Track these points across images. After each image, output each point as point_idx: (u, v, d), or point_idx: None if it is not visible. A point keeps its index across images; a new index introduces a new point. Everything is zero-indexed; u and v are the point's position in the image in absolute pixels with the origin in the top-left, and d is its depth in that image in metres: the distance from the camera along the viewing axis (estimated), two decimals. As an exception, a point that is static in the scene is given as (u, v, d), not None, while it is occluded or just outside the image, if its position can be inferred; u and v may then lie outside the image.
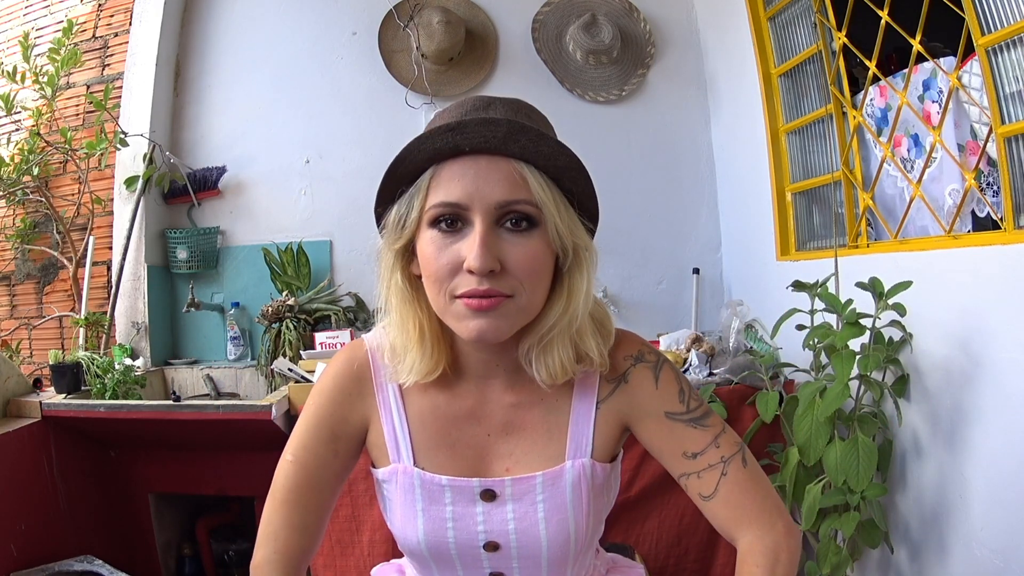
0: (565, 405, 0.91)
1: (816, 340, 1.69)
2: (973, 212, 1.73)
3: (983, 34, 1.51)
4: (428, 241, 0.80)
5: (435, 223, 0.80)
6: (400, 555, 1.09)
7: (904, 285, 1.56)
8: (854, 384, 1.65)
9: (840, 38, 2.04)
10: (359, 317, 2.66)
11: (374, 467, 0.95)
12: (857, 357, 1.59)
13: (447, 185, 0.78)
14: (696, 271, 2.77)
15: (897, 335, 1.67)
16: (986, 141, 1.60)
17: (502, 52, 2.84)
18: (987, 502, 1.47)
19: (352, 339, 2.45)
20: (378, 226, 0.87)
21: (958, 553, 1.54)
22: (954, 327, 1.56)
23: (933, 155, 1.79)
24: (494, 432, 0.91)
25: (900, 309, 1.56)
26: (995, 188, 1.65)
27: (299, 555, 0.88)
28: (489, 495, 0.89)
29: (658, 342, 2.38)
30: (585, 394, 0.90)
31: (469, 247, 0.77)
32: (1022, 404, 1.38)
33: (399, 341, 0.88)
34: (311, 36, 2.81)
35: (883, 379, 1.70)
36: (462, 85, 2.79)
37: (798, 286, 1.76)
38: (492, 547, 0.90)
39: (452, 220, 0.79)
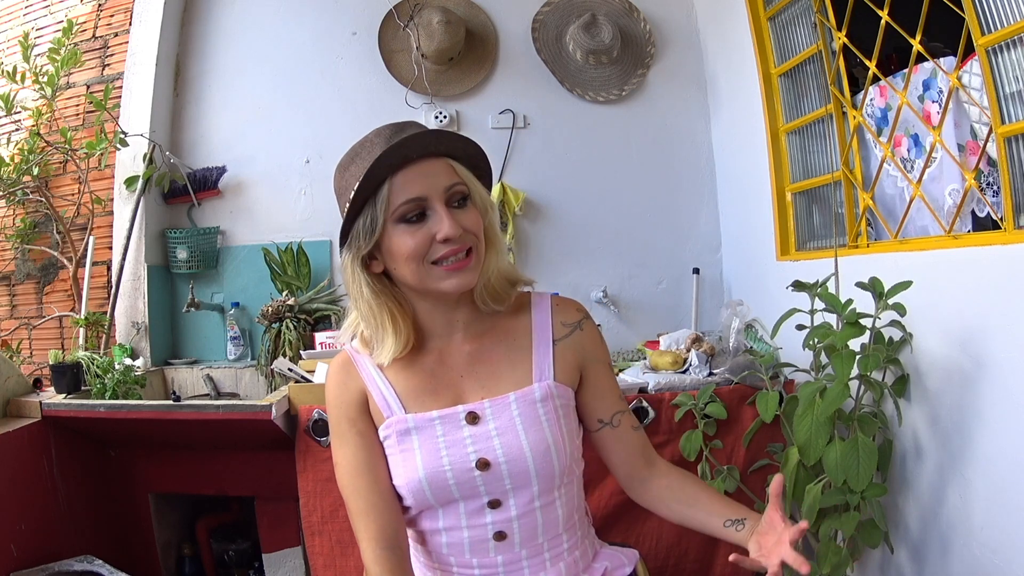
0: (525, 341, 1.12)
1: (816, 340, 1.69)
2: (973, 212, 1.73)
3: (983, 34, 1.51)
4: (401, 233, 1.01)
5: (403, 219, 1.01)
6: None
7: (904, 285, 1.56)
8: (854, 384, 1.65)
9: (840, 38, 2.04)
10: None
11: (377, 429, 1.11)
12: (857, 357, 1.59)
13: (405, 187, 1.00)
14: (696, 271, 2.77)
15: (897, 335, 1.67)
16: (986, 141, 1.60)
17: (502, 52, 2.84)
18: (987, 502, 1.47)
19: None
20: (342, 246, 1.06)
21: (958, 553, 1.54)
22: (954, 327, 1.56)
23: (933, 155, 1.79)
24: (465, 372, 1.10)
25: (900, 309, 1.56)
26: (995, 188, 1.65)
27: (388, 530, 1.03)
28: (472, 417, 1.06)
29: (658, 342, 2.38)
30: (542, 331, 1.12)
31: (438, 224, 1.00)
32: (1022, 404, 1.38)
33: (372, 330, 1.09)
34: (311, 36, 2.81)
35: (883, 379, 1.70)
36: (462, 85, 2.79)
37: (798, 286, 1.76)
38: (483, 464, 1.04)
39: (417, 213, 1.01)
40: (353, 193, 1.00)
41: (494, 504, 1.05)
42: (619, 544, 1.27)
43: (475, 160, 1.08)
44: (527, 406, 1.06)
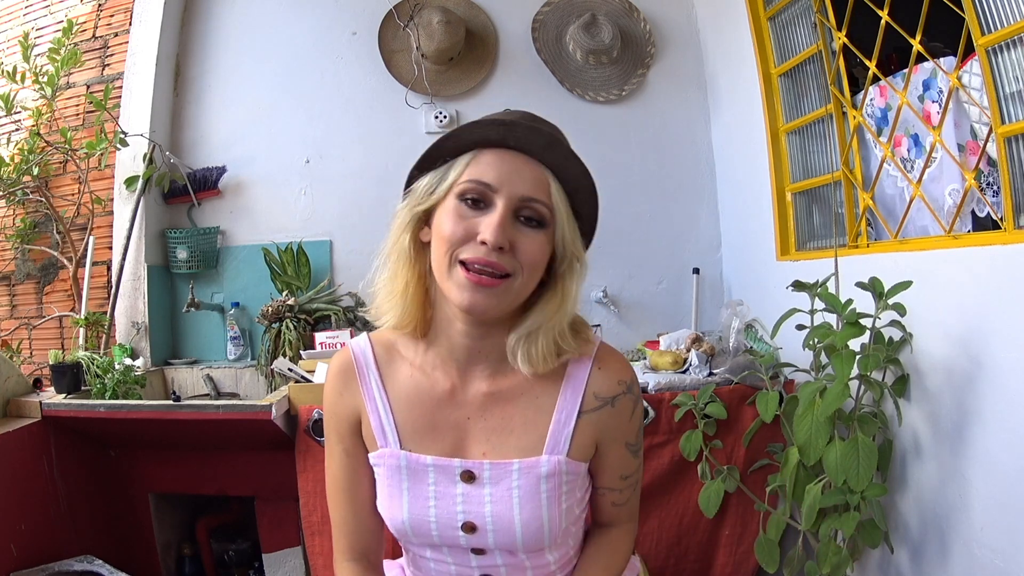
0: (549, 404, 0.98)
1: (816, 340, 1.69)
2: (973, 212, 1.73)
3: (983, 34, 1.51)
4: (451, 209, 0.90)
5: (463, 196, 0.90)
6: (400, 555, 1.12)
7: (904, 285, 1.56)
8: (854, 384, 1.65)
9: (840, 38, 2.04)
10: (359, 317, 2.66)
11: (368, 453, 1.04)
12: (857, 357, 1.59)
13: (484, 167, 0.90)
14: (696, 271, 2.77)
15: (897, 335, 1.67)
16: (986, 141, 1.60)
17: (502, 52, 2.84)
18: (987, 502, 1.47)
19: (352, 339, 2.45)
20: (405, 189, 0.96)
21: (958, 553, 1.54)
22: (954, 327, 1.56)
23: (933, 155, 1.79)
24: (473, 416, 0.99)
25: (900, 309, 1.56)
26: (995, 188, 1.65)
27: (359, 545, 1.05)
28: (468, 476, 0.97)
29: (658, 342, 2.38)
30: (571, 398, 0.99)
31: (487, 224, 0.88)
32: (1022, 404, 1.38)
33: (385, 293, 0.99)
34: (311, 36, 2.81)
35: (883, 379, 1.70)
36: (462, 85, 2.79)
37: (798, 286, 1.76)
38: (469, 528, 0.97)
39: (477, 199, 0.90)
40: (437, 140, 0.92)
41: (478, 552, 1.00)
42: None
43: (582, 195, 0.94)
44: (530, 479, 0.96)
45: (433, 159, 0.94)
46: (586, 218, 0.96)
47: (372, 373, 1.02)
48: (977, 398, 1.50)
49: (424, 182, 0.93)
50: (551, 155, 0.91)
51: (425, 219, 0.95)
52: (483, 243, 0.87)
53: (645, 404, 2.00)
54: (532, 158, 0.91)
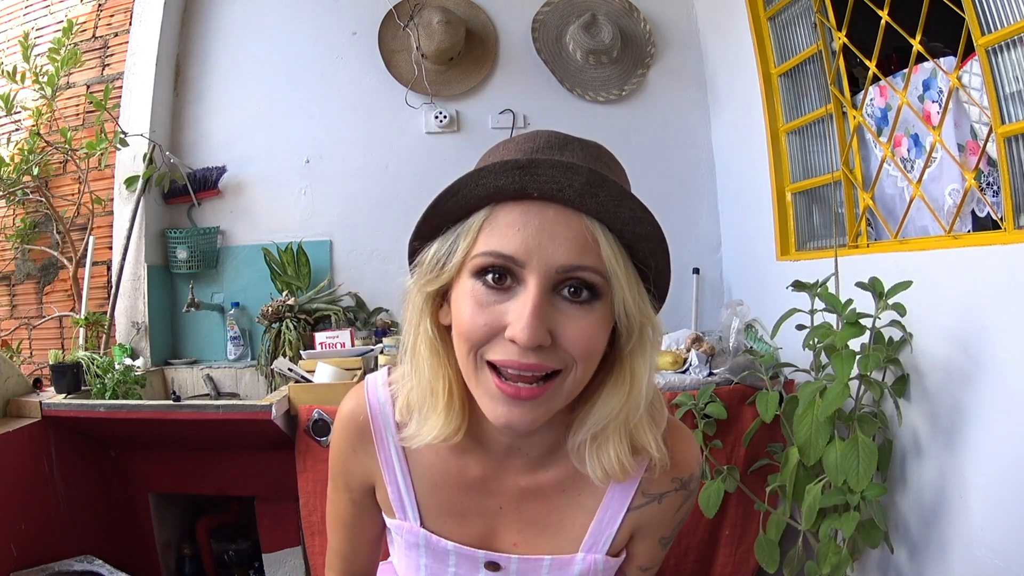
0: (594, 501, 0.83)
1: (816, 340, 1.69)
2: (973, 212, 1.73)
3: (983, 34, 1.51)
4: (468, 293, 0.68)
5: (480, 273, 0.68)
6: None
7: (904, 285, 1.56)
8: (854, 384, 1.65)
9: (840, 38, 2.04)
10: (359, 317, 2.66)
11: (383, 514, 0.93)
12: (857, 357, 1.59)
13: (504, 233, 0.66)
14: (696, 271, 2.77)
15: (897, 335, 1.67)
16: (986, 141, 1.60)
17: (502, 52, 2.84)
18: (987, 502, 1.47)
19: (352, 339, 2.45)
20: (410, 261, 0.75)
21: (958, 553, 1.54)
22: (954, 327, 1.56)
23: (933, 155, 1.79)
24: (507, 506, 0.84)
25: (900, 309, 1.56)
26: (995, 188, 1.65)
27: (362, 566, 0.96)
28: (494, 567, 0.85)
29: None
30: (620, 495, 0.83)
31: (517, 314, 0.65)
32: (1022, 404, 1.38)
33: (420, 400, 0.76)
34: (311, 36, 2.81)
35: (883, 379, 1.70)
36: (462, 85, 2.79)
37: (798, 286, 1.76)
38: None
39: (501, 275, 0.67)
40: (436, 198, 0.69)
41: None
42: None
43: (645, 244, 0.69)
44: None
45: (435, 224, 0.70)
46: (654, 275, 0.71)
47: (391, 438, 0.83)
48: (977, 398, 1.50)
49: (430, 254, 0.71)
50: (593, 200, 0.65)
51: (443, 296, 0.74)
52: (513, 341, 0.65)
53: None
54: (569, 207, 0.66)
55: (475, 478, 0.82)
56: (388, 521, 0.90)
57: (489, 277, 0.67)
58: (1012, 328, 1.41)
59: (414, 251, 0.74)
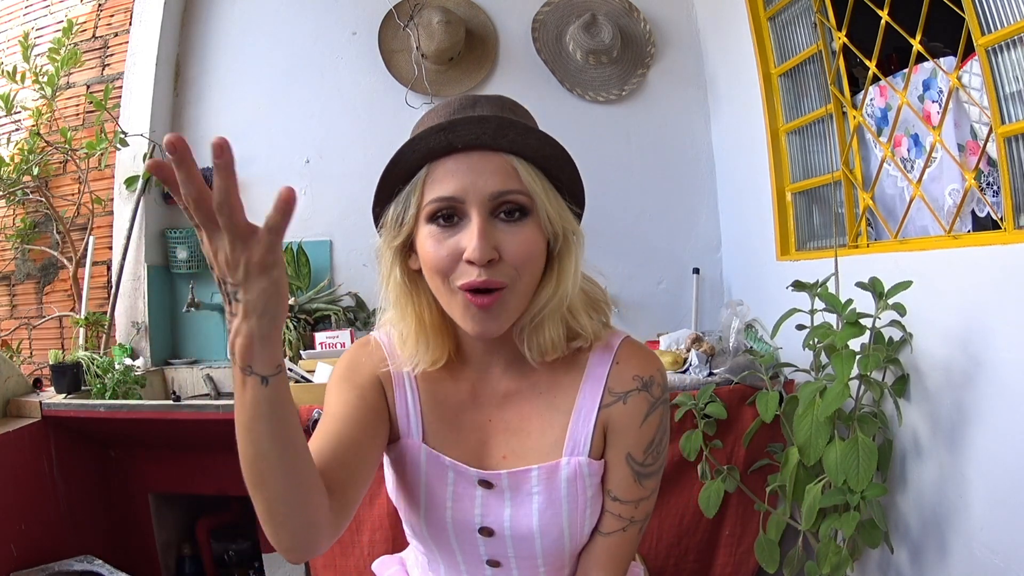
0: (567, 401, 0.92)
1: (816, 340, 1.69)
2: (973, 212, 1.73)
3: (983, 34, 1.51)
4: (427, 236, 0.83)
5: (433, 218, 0.83)
6: (401, 548, 1.10)
7: (904, 285, 1.56)
8: (854, 384, 1.65)
9: (840, 38, 2.04)
10: (359, 317, 2.66)
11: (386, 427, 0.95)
12: (857, 357, 1.59)
13: (442, 181, 0.82)
14: (696, 271, 2.77)
15: (897, 335, 1.67)
16: (986, 141, 1.60)
17: (502, 52, 2.84)
18: (987, 502, 1.47)
19: (352, 339, 2.45)
20: (376, 226, 0.91)
21: (958, 553, 1.54)
22: (954, 327, 1.56)
23: (933, 155, 1.79)
24: (495, 417, 0.94)
25: (900, 309, 1.56)
26: (995, 188, 1.65)
27: (338, 474, 0.81)
28: (487, 484, 0.92)
29: (658, 342, 2.38)
30: (591, 394, 0.92)
31: (468, 239, 0.80)
32: (1022, 404, 1.38)
33: (403, 337, 0.91)
34: (311, 36, 2.81)
35: (883, 379, 1.70)
36: (462, 85, 2.79)
37: (798, 286, 1.76)
38: (487, 532, 0.93)
39: (449, 215, 0.82)
40: (384, 170, 0.84)
41: (494, 563, 0.95)
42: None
43: (554, 163, 0.85)
44: (549, 484, 0.91)
45: (388, 189, 0.86)
46: (568, 186, 0.88)
47: (399, 363, 0.93)
48: (977, 398, 1.50)
49: (390, 215, 0.86)
50: (504, 139, 0.81)
51: (409, 247, 0.88)
52: (470, 262, 0.80)
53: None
54: (488, 149, 0.82)
55: (466, 392, 0.94)
56: (391, 450, 0.95)
57: (440, 219, 0.82)
58: (1012, 328, 1.41)
59: (377, 216, 0.89)
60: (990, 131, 1.55)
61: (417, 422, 0.93)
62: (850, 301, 1.63)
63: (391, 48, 2.80)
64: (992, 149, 1.57)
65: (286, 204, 0.63)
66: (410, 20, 2.78)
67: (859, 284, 1.62)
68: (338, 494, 0.79)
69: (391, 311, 0.91)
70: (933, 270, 1.63)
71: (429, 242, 0.83)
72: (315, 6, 2.81)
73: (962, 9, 1.55)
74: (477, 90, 2.81)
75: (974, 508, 1.50)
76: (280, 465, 0.71)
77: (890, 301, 1.57)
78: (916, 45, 1.76)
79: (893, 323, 1.63)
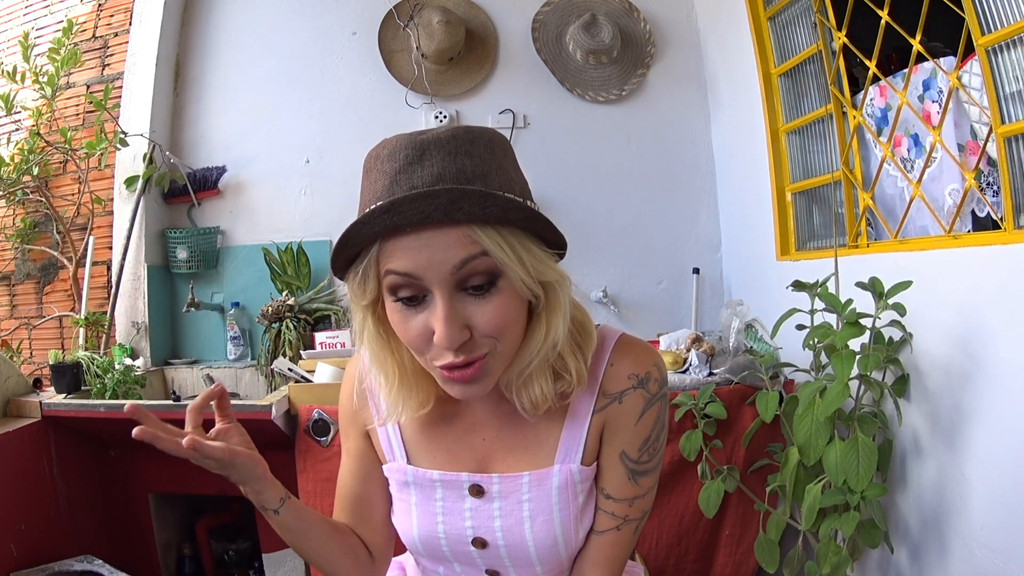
0: (560, 411, 0.90)
1: (816, 340, 1.69)
2: (973, 212, 1.73)
3: (983, 34, 1.51)
4: (393, 311, 0.78)
5: (394, 291, 0.76)
6: (399, 552, 1.11)
7: (904, 285, 1.56)
8: (854, 384, 1.65)
9: (840, 38, 2.04)
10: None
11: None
12: (857, 357, 1.59)
13: (398, 256, 0.74)
14: (696, 271, 2.77)
15: (897, 335, 1.67)
16: (986, 141, 1.60)
17: (502, 52, 2.84)
18: (987, 502, 1.47)
19: (352, 339, 2.45)
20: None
21: (958, 553, 1.54)
22: (954, 327, 1.56)
23: (933, 155, 1.79)
24: (489, 437, 0.93)
25: (900, 309, 1.56)
26: (995, 188, 1.65)
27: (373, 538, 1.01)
28: (477, 490, 0.92)
29: (658, 342, 2.39)
30: (585, 400, 0.90)
31: (435, 321, 0.74)
32: (1022, 404, 1.38)
33: (388, 390, 0.88)
34: (311, 36, 2.81)
35: (883, 379, 1.70)
36: (462, 85, 2.79)
37: (798, 286, 1.76)
38: (480, 543, 0.92)
39: (411, 296, 0.76)
40: (333, 250, 0.77)
41: (493, 573, 0.95)
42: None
43: (523, 226, 0.76)
44: (540, 490, 0.89)
45: (344, 263, 0.79)
46: (543, 235, 0.79)
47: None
48: (977, 398, 1.50)
49: (352, 281, 0.80)
50: (459, 212, 0.70)
51: (380, 302, 0.82)
52: (440, 345, 0.75)
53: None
54: (442, 226, 0.72)
55: (458, 417, 0.93)
56: (384, 469, 0.98)
57: (403, 297, 0.76)
58: (1012, 328, 1.41)
59: (342, 272, 0.82)
60: (990, 131, 1.54)
61: (400, 448, 0.96)
62: (850, 301, 1.63)
63: (391, 48, 2.80)
64: (992, 149, 1.57)
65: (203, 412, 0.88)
66: (410, 20, 2.78)
67: (859, 284, 1.62)
68: (370, 542, 1.00)
69: (374, 368, 0.88)
70: (933, 270, 1.63)
71: (396, 318, 0.78)
72: (315, 6, 2.82)
73: (962, 9, 1.55)
74: (478, 90, 2.81)
75: (974, 508, 1.50)
76: (312, 551, 0.95)
77: (890, 301, 1.57)
78: (916, 45, 1.76)
79: (893, 323, 1.63)
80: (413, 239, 0.72)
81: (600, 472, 0.92)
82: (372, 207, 0.73)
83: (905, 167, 1.91)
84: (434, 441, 0.94)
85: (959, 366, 1.54)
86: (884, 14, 1.85)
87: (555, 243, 0.81)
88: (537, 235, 0.78)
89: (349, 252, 0.77)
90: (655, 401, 0.90)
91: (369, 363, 0.89)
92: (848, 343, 1.60)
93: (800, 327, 1.77)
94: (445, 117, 2.77)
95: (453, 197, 0.70)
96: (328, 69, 2.81)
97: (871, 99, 2.02)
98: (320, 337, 2.48)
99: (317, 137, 2.80)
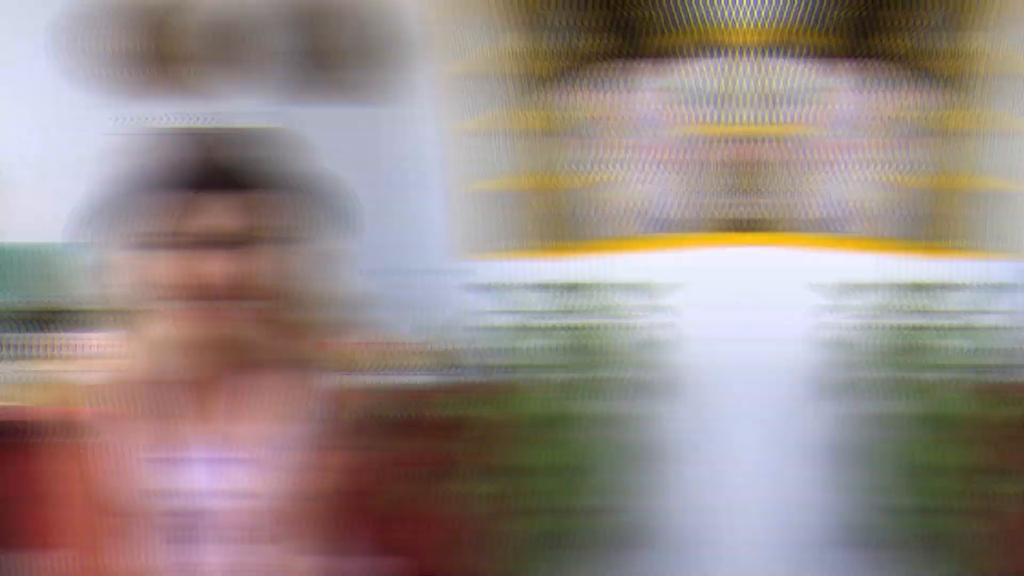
0: None
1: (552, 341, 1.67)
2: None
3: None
4: None
5: None
6: None
7: (664, 285, 1.57)
8: (619, 385, 1.65)
9: (527, 40, 1.99)
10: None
11: None
12: (625, 358, 1.58)
13: None
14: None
15: (650, 334, 1.68)
16: (688, 143, 1.67)
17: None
18: (743, 504, 1.51)
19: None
20: None
21: (717, 558, 1.58)
22: (713, 327, 1.61)
23: (659, 156, 1.82)
24: None
25: (655, 307, 1.58)
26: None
27: None
28: None
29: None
30: None
31: None
32: (779, 403, 1.43)
33: None
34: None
35: (645, 380, 1.69)
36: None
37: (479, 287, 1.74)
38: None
39: None
40: None
41: None
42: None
43: None
44: None
45: None
46: None
47: None
48: (738, 397, 1.53)
49: None
50: None
51: None
52: None
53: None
54: None
55: None
56: None
57: None
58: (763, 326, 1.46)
59: None
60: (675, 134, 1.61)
61: None
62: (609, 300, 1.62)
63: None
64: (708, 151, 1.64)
65: None
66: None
67: (624, 284, 1.61)
68: None
69: None
70: (692, 270, 1.66)
71: None
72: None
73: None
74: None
75: (736, 510, 1.54)
76: None
77: (647, 301, 1.57)
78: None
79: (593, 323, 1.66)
80: None
81: None
82: None
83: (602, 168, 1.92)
84: None
85: (721, 366, 1.57)
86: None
87: None
88: None
89: None
90: None
91: None
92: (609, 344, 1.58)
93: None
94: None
95: None
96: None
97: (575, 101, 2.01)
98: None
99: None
